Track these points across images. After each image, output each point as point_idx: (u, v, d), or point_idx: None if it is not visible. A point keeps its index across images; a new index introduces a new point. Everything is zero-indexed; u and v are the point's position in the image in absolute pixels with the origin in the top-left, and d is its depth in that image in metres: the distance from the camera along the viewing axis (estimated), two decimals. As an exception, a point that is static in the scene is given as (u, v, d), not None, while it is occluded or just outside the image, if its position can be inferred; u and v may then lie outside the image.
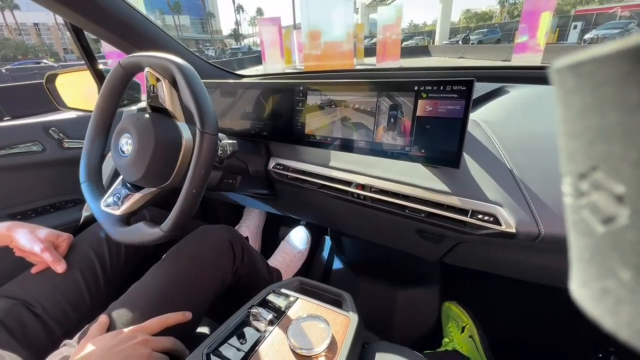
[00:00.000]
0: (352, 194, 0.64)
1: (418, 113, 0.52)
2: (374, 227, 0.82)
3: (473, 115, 0.58)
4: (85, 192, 0.63)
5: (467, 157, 0.53)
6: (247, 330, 0.48)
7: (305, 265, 1.13)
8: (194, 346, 0.46)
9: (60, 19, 0.83)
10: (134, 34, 0.85)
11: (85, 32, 0.89)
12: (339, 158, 0.67)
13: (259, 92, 0.72)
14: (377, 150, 0.57)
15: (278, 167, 0.76)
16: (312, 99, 0.64)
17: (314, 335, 0.45)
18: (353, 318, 0.49)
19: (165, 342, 0.49)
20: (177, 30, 56.66)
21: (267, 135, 0.73)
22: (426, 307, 0.99)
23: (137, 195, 0.59)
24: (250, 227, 1.25)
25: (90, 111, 0.66)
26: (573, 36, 16.76)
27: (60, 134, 0.91)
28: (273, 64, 11.43)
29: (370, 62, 12.65)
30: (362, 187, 0.63)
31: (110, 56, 5.32)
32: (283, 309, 0.51)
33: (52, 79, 1.03)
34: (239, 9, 70.30)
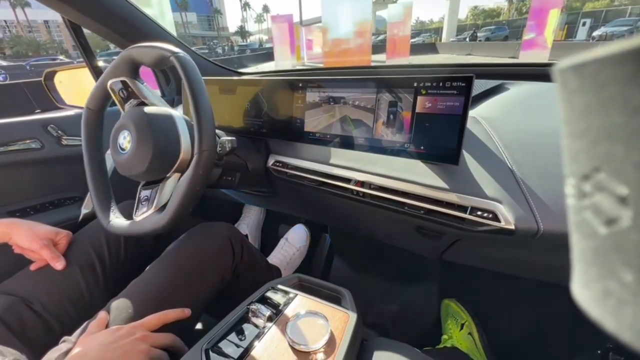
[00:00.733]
0: (351, 191, 0.64)
1: (417, 109, 0.52)
2: (373, 224, 0.82)
3: (472, 112, 0.58)
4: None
5: (466, 154, 0.53)
6: (246, 327, 0.48)
7: (305, 262, 1.13)
8: (193, 342, 0.46)
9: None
10: (133, 30, 0.84)
11: (84, 29, 0.88)
12: (338, 155, 0.66)
13: (258, 89, 0.72)
14: (377, 147, 0.57)
15: (277, 164, 0.76)
16: (312, 96, 0.64)
17: (313, 332, 0.45)
18: (352, 315, 0.49)
19: (164, 338, 0.49)
20: (185, 28, 56.41)
21: (267, 133, 0.72)
22: (425, 304, 0.99)
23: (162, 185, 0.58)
24: (249, 224, 1.25)
25: None
26: (582, 33, 16.60)
27: (59, 131, 0.91)
28: (283, 61, 11.60)
29: (378, 59, 12.65)
30: (362, 184, 0.63)
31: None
32: (282, 306, 0.51)
33: (50, 76, 1.03)
34: (246, 6, 70.01)
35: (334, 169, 0.66)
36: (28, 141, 0.86)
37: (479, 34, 22.51)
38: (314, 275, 0.60)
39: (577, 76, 0.10)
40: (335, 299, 0.55)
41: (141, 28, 0.87)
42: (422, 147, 0.52)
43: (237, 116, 0.76)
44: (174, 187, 0.57)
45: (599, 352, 0.64)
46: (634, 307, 0.09)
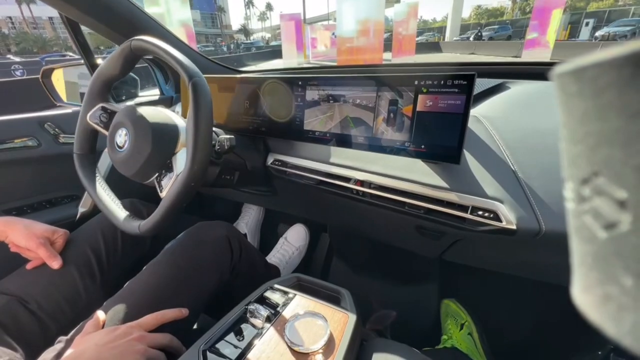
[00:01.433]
0: (351, 190, 0.64)
1: (418, 108, 0.51)
2: (373, 223, 0.81)
3: (473, 111, 0.58)
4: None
5: (467, 153, 0.53)
6: (245, 327, 0.47)
7: (304, 261, 1.13)
8: (191, 343, 0.45)
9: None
10: (131, 27, 0.83)
11: (82, 27, 0.88)
12: (337, 154, 0.66)
13: (258, 88, 0.71)
14: (377, 146, 0.57)
15: (276, 163, 0.75)
16: (311, 94, 0.63)
17: (312, 333, 0.44)
18: (351, 315, 0.49)
19: (161, 338, 0.49)
20: (189, 25, 56.33)
21: (266, 131, 0.72)
22: (425, 304, 0.99)
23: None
24: (248, 223, 1.24)
25: None
26: (585, 33, 16.75)
27: (56, 129, 0.90)
28: (289, 58, 11.94)
29: (384, 57, 12.87)
30: (361, 183, 0.62)
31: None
32: (281, 306, 0.50)
33: (48, 73, 1.02)
34: (249, 3, 69.82)
35: (333, 168, 0.65)
36: (25, 139, 0.85)
37: (483, 33, 22.56)
38: (313, 274, 0.60)
39: (576, 81, 0.10)
40: (335, 299, 0.54)
41: (141, 26, 0.86)
42: (422, 146, 0.52)
43: (236, 114, 0.76)
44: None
45: (600, 353, 0.64)
46: (635, 312, 0.09)
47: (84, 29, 0.88)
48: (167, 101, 1.09)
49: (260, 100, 0.71)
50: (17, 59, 14.20)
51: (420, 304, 1.00)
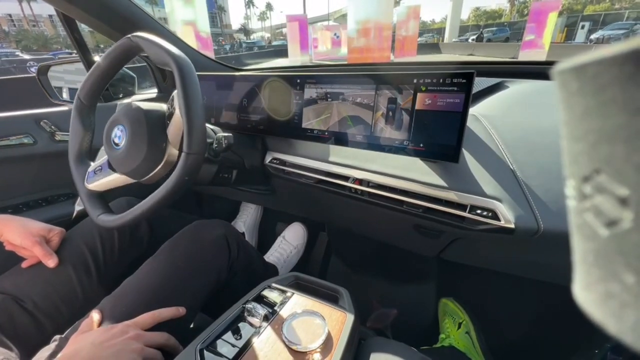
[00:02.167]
0: (349, 188, 0.64)
1: (417, 107, 0.51)
2: (371, 222, 0.81)
3: (472, 110, 0.58)
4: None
5: (465, 152, 0.53)
6: (242, 326, 0.47)
7: (302, 260, 1.13)
8: (188, 341, 0.45)
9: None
10: (127, 24, 0.83)
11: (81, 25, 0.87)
12: (336, 152, 0.66)
13: (256, 85, 0.71)
14: (375, 145, 0.56)
15: (275, 161, 0.75)
16: (310, 92, 0.63)
17: (310, 331, 0.44)
18: (349, 314, 0.49)
19: (158, 337, 0.49)
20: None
21: (264, 129, 0.71)
22: (423, 303, 0.99)
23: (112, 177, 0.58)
24: (246, 222, 1.24)
25: None
26: (580, 36, 17.14)
27: (52, 127, 0.89)
28: (293, 57, 12.27)
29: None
30: (360, 182, 0.62)
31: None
32: (278, 305, 0.50)
33: (44, 70, 1.01)
34: (249, 3, 69.63)
35: (332, 166, 0.65)
36: (20, 136, 0.85)
37: (484, 35, 22.79)
38: (311, 273, 0.60)
39: (577, 78, 0.10)
40: (333, 298, 0.54)
41: (141, 24, 0.85)
42: (421, 145, 0.52)
43: (233, 112, 0.75)
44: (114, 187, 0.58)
45: (597, 351, 0.64)
46: (636, 309, 0.09)
47: (86, 27, 0.88)
48: (165, 99, 1.08)
49: (259, 98, 0.71)
50: (27, 57, 14.19)
51: (418, 302, 1.00)
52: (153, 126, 0.53)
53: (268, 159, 0.76)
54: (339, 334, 0.45)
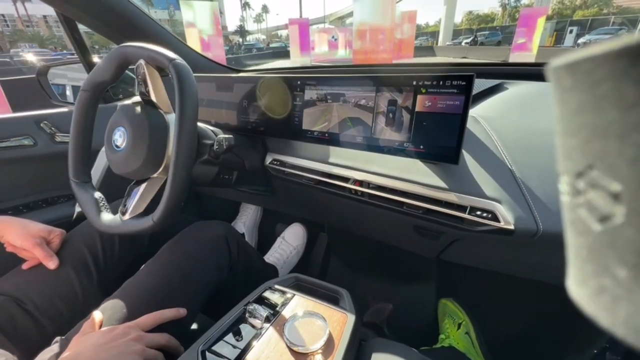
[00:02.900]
0: (349, 190, 0.64)
1: (417, 108, 0.51)
2: (371, 223, 0.81)
3: (471, 112, 0.58)
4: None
5: (465, 154, 0.53)
6: (243, 327, 0.47)
7: (302, 261, 1.13)
8: (189, 343, 0.45)
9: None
10: (127, 25, 0.83)
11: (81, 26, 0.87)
12: (336, 154, 0.66)
13: (256, 87, 0.71)
14: (375, 146, 0.57)
15: (275, 162, 0.75)
16: (310, 94, 0.63)
17: (311, 333, 0.44)
18: (350, 315, 0.49)
19: (159, 338, 0.49)
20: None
21: (264, 131, 0.72)
22: (423, 303, 0.99)
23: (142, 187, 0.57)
24: (246, 223, 1.24)
25: None
26: (569, 40, 17.80)
27: (52, 128, 0.89)
28: (295, 58, 12.50)
29: None
30: (360, 183, 0.62)
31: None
32: (280, 306, 0.50)
33: (44, 71, 1.01)
34: (246, 5, 69.65)
35: (332, 167, 0.65)
36: (20, 138, 0.85)
37: (478, 38, 23.30)
38: (311, 274, 0.60)
39: (571, 74, 0.10)
40: (333, 299, 0.54)
41: (140, 26, 0.85)
42: (421, 146, 0.52)
43: (234, 114, 0.75)
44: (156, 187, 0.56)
45: (595, 351, 0.64)
46: (628, 303, 0.10)
47: (83, 28, 0.88)
48: None
49: (259, 100, 0.71)
50: (33, 57, 14.21)
51: (418, 303, 1.00)
52: (154, 128, 0.54)
53: (268, 160, 0.76)
54: (340, 335, 0.45)
